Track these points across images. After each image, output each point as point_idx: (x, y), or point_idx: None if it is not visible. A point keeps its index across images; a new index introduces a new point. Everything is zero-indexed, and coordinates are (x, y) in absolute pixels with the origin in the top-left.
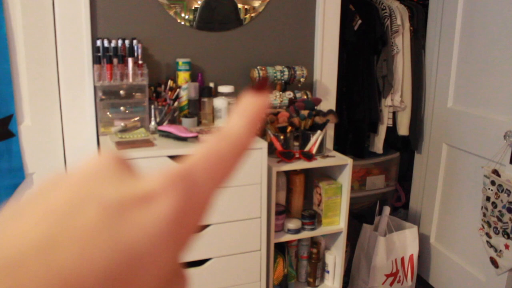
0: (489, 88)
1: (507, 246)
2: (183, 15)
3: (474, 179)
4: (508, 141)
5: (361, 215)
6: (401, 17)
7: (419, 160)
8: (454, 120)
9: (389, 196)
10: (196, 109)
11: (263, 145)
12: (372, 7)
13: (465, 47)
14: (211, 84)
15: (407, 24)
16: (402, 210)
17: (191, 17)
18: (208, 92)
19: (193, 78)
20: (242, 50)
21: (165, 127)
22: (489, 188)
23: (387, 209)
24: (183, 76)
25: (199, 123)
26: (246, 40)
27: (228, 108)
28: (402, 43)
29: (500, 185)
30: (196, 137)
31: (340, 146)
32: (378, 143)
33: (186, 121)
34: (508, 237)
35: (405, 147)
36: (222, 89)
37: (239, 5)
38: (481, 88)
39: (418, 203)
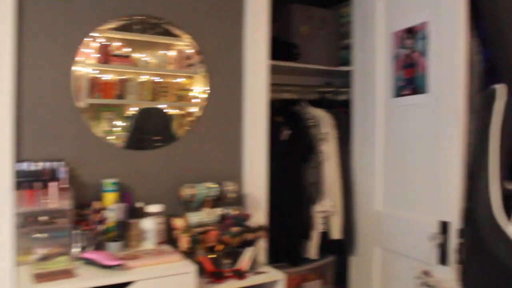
0: (412, 191)
1: None
2: (116, 128)
3: (407, 281)
4: (435, 242)
5: None
6: (327, 125)
7: (354, 263)
8: (383, 223)
9: None
10: (124, 231)
11: (190, 269)
12: (298, 117)
13: (387, 152)
14: (140, 204)
15: (333, 132)
16: None
17: (127, 124)
18: (136, 213)
19: (121, 198)
20: (172, 168)
21: (89, 254)
22: None
23: None
24: (110, 197)
25: (126, 245)
26: (176, 158)
27: (156, 229)
28: (329, 149)
29: (432, 286)
30: (121, 265)
31: (274, 254)
32: (312, 249)
33: (112, 246)
34: None
35: (340, 251)
36: (151, 208)
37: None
38: (405, 191)
39: None
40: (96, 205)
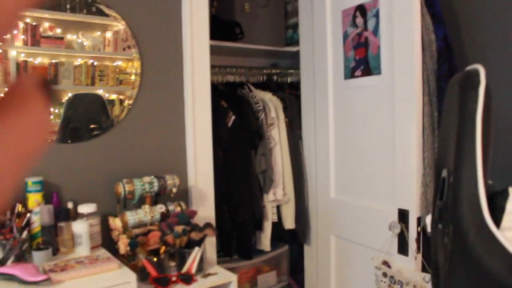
0: (368, 177)
1: None
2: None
3: (366, 270)
4: (394, 232)
5: None
6: (275, 109)
7: (309, 252)
8: (338, 210)
9: None
10: (52, 236)
11: (129, 278)
12: (244, 101)
13: (340, 137)
14: (70, 204)
15: (282, 116)
16: None
17: (61, 111)
18: (65, 215)
19: (47, 199)
20: (106, 162)
21: (8, 269)
22: (381, 280)
23: None
24: (34, 198)
25: (56, 252)
26: (110, 150)
27: (90, 232)
28: (278, 135)
29: (392, 277)
30: (47, 280)
31: (225, 247)
32: (265, 241)
33: (37, 255)
34: None
35: (294, 239)
36: (82, 209)
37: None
38: (360, 178)
39: None
40: (18, 208)
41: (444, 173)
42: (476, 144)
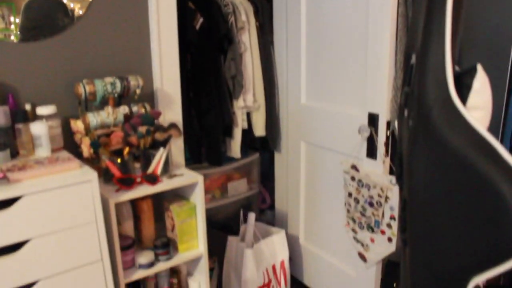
0: (338, 83)
1: (372, 240)
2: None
3: (335, 176)
4: (363, 135)
5: (226, 224)
6: (245, 13)
7: (279, 159)
8: (309, 116)
9: (254, 199)
10: (10, 139)
11: (90, 176)
12: (213, 3)
13: (312, 42)
14: (27, 106)
15: (252, 20)
16: (269, 212)
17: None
18: (23, 117)
19: (2, 100)
20: (65, 61)
21: None
22: (350, 184)
23: (252, 217)
24: None
25: (15, 155)
26: (69, 49)
27: (49, 133)
28: (249, 40)
29: (360, 180)
30: (4, 179)
31: (195, 154)
32: (235, 147)
33: None
34: (373, 231)
35: (264, 147)
36: (41, 110)
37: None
38: (331, 82)
39: (283, 204)
40: None
41: (413, 59)
42: (446, 18)
